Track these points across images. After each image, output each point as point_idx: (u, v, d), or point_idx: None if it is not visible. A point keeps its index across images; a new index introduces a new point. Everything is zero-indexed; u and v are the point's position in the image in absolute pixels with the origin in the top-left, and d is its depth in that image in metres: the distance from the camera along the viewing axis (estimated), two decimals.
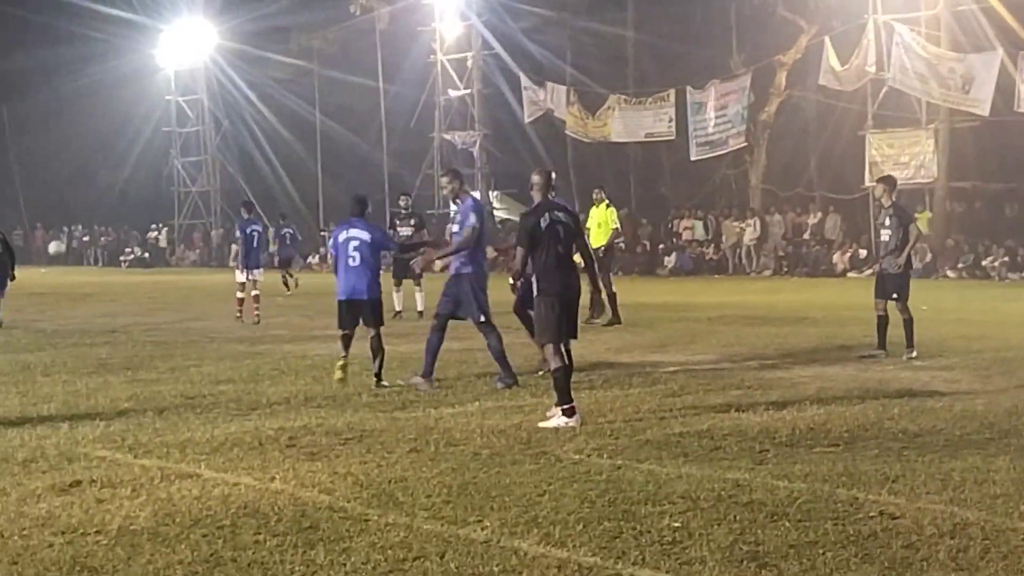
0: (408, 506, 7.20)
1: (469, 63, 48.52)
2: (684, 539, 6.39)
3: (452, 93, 48.95)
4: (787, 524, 6.64)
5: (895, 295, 14.62)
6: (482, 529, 6.66)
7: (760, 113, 40.80)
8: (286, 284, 29.06)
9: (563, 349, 10.24)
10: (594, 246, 17.86)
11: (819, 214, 39.68)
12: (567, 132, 45.67)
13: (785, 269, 38.58)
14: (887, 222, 14.90)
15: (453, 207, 14.41)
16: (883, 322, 14.71)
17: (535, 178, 11.30)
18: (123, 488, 7.73)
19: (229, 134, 57.52)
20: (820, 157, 41.52)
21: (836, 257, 37.44)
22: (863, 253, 36.63)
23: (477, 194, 48.52)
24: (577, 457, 8.56)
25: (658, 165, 46.37)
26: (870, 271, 34.55)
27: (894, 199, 15.12)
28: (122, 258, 57.42)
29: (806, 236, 39.28)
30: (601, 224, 20.90)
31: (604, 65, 46.17)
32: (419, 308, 21.29)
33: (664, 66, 44.47)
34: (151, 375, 13.49)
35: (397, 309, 21.27)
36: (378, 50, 50.32)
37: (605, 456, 8.59)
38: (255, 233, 21.52)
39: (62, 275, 44.01)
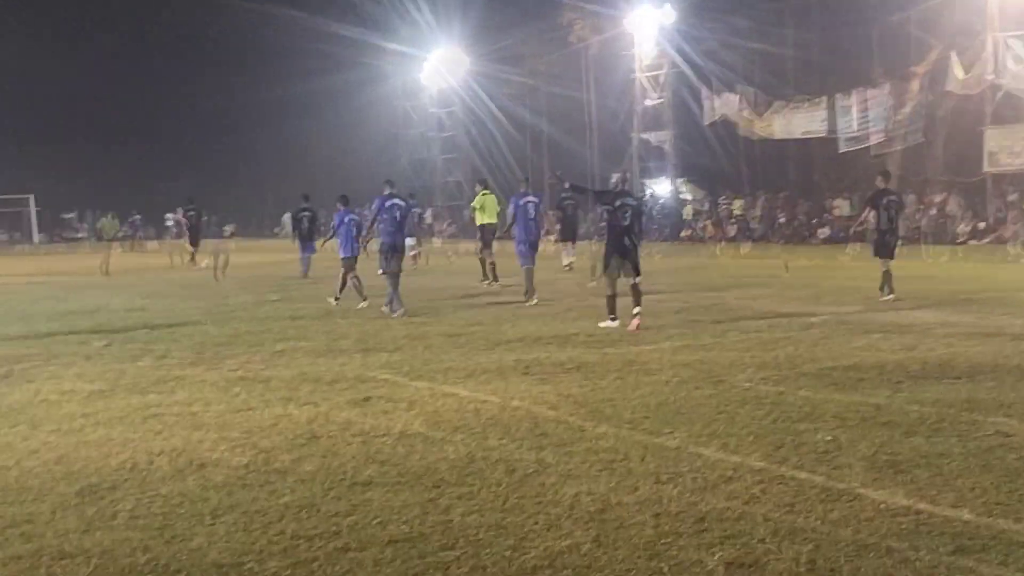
0: (615, 420, 7.22)
1: (662, 78, 47.92)
2: (834, 450, 6.26)
3: (648, 102, 48.44)
4: (919, 439, 6.43)
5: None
6: (673, 439, 6.64)
7: (897, 114, 39.15)
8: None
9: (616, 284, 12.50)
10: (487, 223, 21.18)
11: (944, 194, 37.91)
12: (739, 132, 44.78)
13: (916, 238, 37.00)
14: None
15: None
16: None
17: (616, 176, 13.49)
18: (402, 403, 7.95)
19: (476, 138, 58.29)
20: (946, 148, 39.63)
21: (960, 228, 35.72)
22: (981, 225, 34.90)
23: (667, 181, 48.19)
24: (748, 385, 8.43)
25: (812, 157, 45.00)
26: (988, 240, 33.01)
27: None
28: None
29: (932, 212, 37.58)
30: (485, 208, 21.69)
31: (769, 77, 44.95)
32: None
33: (817, 76, 43.05)
34: (420, 319, 13.79)
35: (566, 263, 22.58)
36: (589, 70, 50.17)
37: (770, 384, 8.44)
38: (352, 222, 20.59)
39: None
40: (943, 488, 5.47)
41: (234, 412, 7.72)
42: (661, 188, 49.66)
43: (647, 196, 49.30)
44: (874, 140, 39.24)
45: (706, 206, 47.13)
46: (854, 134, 39.70)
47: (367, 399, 8.11)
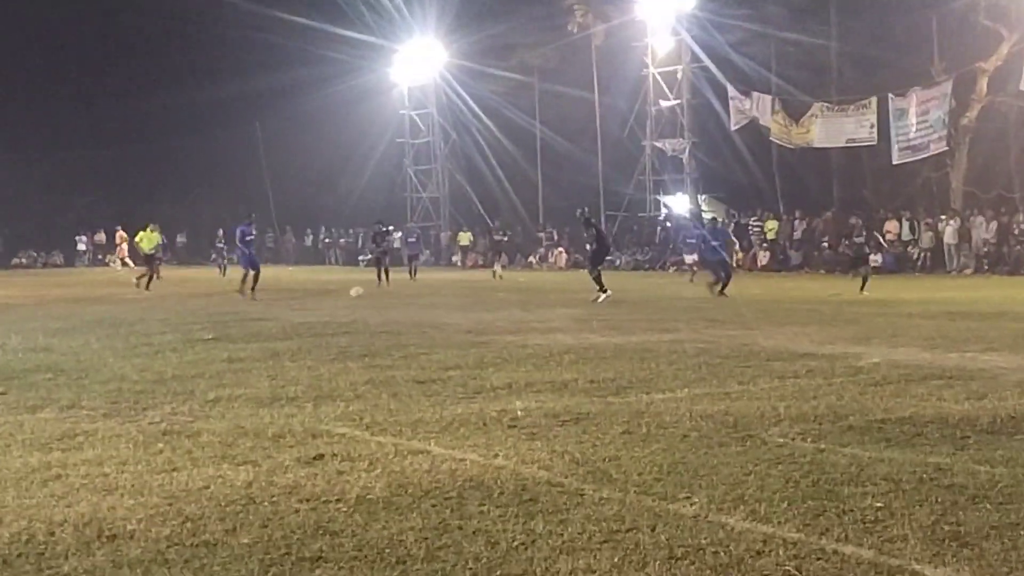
0: (621, 482, 7.16)
1: (679, 75, 48.26)
2: (886, 518, 6.20)
3: (663, 103, 48.75)
4: (988, 506, 6.38)
5: None
6: (691, 505, 6.58)
7: (961, 118, 39.44)
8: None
9: None
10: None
11: (1022, 215, 38.11)
12: (771, 139, 45.00)
13: (986, 267, 37.18)
14: None
15: None
16: None
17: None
18: (361, 462, 7.88)
19: (456, 144, 58.49)
20: (1021, 160, 39.92)
21: None
22: None
23: (686, 197, 48.40)
24: (782, 440, 8.39)
25: (860, 169, 45.24)
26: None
27: None
28: (360, 258, 58.89)
29: (1016, 234, 37.73)
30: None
31: (807, 74, 45.30)
32: None
33: (866, 74, 43.37)
34: (386, 361, 13.75)
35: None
36: (593, 64, 50.45)
37: (809, 440, 8.40)
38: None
39: (307, 273, 45.45)
40: (1017, 565, 5.42)
41: (155, 473, 7.64)
42: (678, 205, 49.81)
43: (661, 216, 49.48)
44: (934, 149, 39.46)
45: (732, 227, 47.29)
46: (910, 142, 39.94)
47: (318, 457, 8.04)
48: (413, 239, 43.00)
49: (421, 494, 6.95)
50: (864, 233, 29.06)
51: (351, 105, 57.58)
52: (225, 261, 44.19)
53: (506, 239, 50.30)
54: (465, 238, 55.97)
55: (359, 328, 18.66)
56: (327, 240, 63.47)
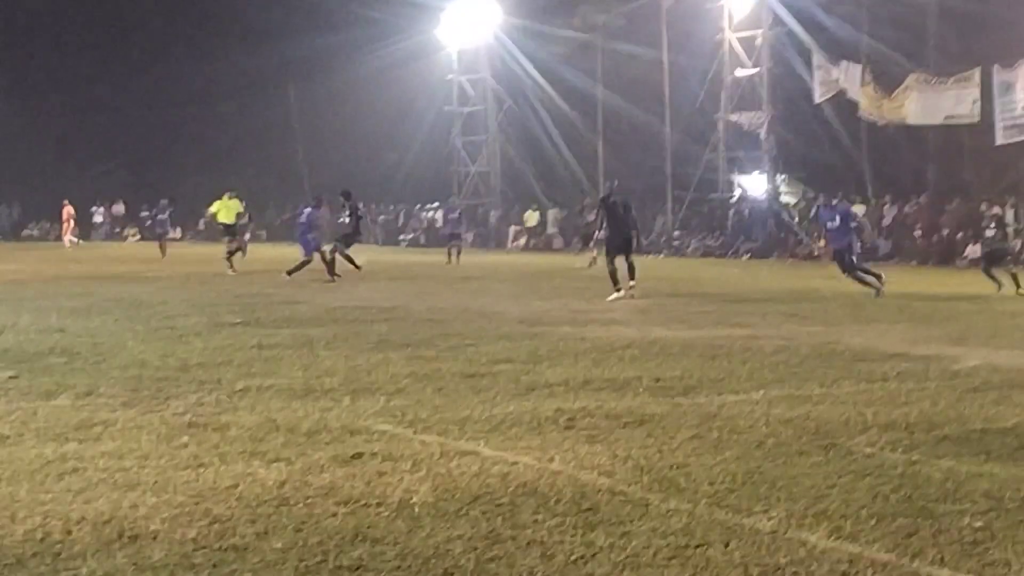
0: (690, 493, 7.16)
1: (759, 41, 47.92)
2: (987, 540, 6.17)
3: (740, 72, 48.46)
4: None
5: None
6: (768, 519, 6.58)
7: None
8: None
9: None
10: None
11: None
12: (860, 114, 44.62)
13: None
14: None
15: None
16: None
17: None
18: (403, 462, 7.93)
19: (511, 113, 58.36)
20: None
21: None
22: None
23: (764, 177, 48.13)
24: (869, 451, 8.36)
25: (959, 149, 44.76)
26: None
27: None
28: (401, 237, 59.09)
29: None
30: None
31: (904, 39, 44.74)
32: None
33: (969, 42, 42.82)
34: (430, 352, 13.81)
35: None
36: (664, 25, 50.19)
37: (899, 451, 8.36)
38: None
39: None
40: None
41: (179, 469, 7.74)
42: (755, 186, 49.53)
43: (735, 197, 49.27)
44: None
45: (814, 212, 46.94)
46: (1017, 120, 39.48)
47: (357, 456, 8.10)
48: (455, 216, 42.29)
49: (470, 500, 6.98)
50: (994, 224, 28.00)
51: (393, 71, 57.59)
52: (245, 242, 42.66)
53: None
54: (533, 217, 55.61)
55: (401, 315, 18.76)
56: (367, 218, 63.81)
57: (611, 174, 54.63)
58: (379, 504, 6.89)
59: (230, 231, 34.52)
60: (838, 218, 23.98)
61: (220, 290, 24.49)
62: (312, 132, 64.61)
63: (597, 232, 25.34)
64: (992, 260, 25.93)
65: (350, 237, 29.16)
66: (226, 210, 35.06)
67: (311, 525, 6.47)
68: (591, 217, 40.20)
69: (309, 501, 6.94)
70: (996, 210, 34.40)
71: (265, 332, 15.93)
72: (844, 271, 23.89)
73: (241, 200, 36.20)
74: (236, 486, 7.28)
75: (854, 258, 23.76)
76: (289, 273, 27.39)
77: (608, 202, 22.93)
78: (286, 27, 58.80)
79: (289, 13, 59.57)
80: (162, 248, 42.13)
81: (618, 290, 21.82)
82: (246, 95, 63.45)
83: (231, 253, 32.11)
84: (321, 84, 61.37)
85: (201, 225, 56.03)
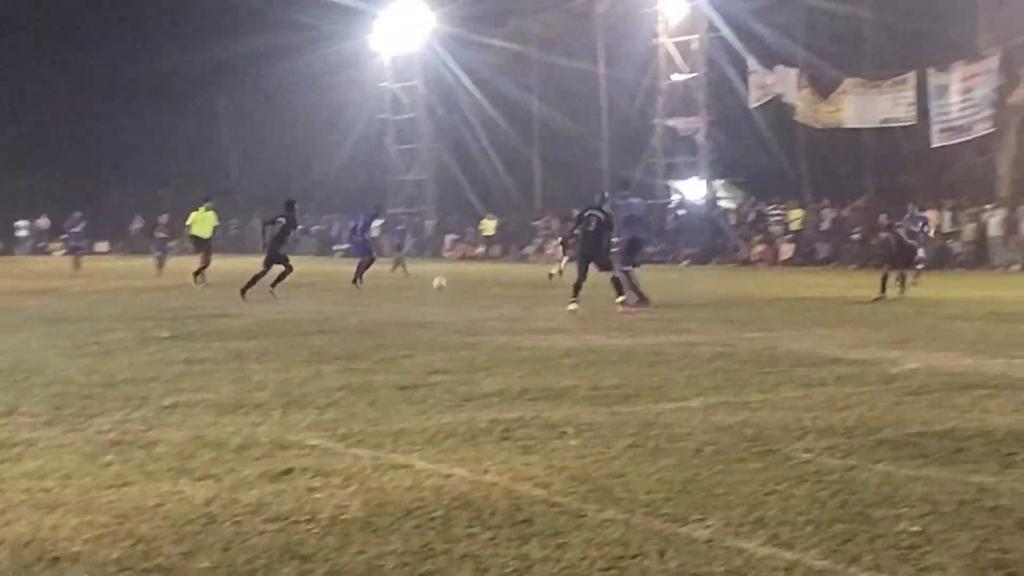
0: (627, 502, 7.14)
1: (694, 46, 48.25)
2: (923, 544, 6.20)
3: (676, 77, 48.77)
4: None
5: None
6: (705, 528, 6.57)
7: (1010, 96, 39.47)
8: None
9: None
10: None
11: None
12: (797, 118, 45.01)
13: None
14: None
15: None
16: None
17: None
18: (335, 477, 7.86)
19: (444, 121, 58.38)
20: None
21: None
22: None
23: (701, 183, 48.40)
24: (807, 456, 8.39)
25: (896, 152, 45.27)
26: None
27: None
28: (335, 247, 58.85)
29: None
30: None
31: (838, 46, 45.29)
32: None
33: (904, 46, 43.36)
34: (364, 365, 13.73)
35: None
36: (598, 33, 50.42)
37: (837, 456, 8.39)
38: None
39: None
40: None
41: (103, 488, 7.62)
42: (692, 191, 49.84)
43: (673, 203, 49.51)
44: (979, 131, 39.51)
45: (752, 217, 47.29)
46: (952, 123, 39.99)
47: (287, 472, 8.01)
48: (401, 227, 42.45)
49: (402, 514, 6.92)
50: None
51: (325, 77, 57.40)
52: (165, 253, 41.00)
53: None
54: (490, 226, 55.42)
55: (335, 327, 18.67)
56: (298, 227, 63.53)
57: (547, 183, 55.13)
58: (309, 520, 6.81)
59: (203, 245, 32.74)
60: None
61: (149, 304, 24.27)
62: (242, 140, 64.23)
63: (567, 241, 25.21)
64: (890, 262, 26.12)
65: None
66: (201, 222, 33.34)
67: (239, 543, 6.39)
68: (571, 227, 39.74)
69: (237, 519, 6.85)
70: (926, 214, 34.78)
71: (195, 346, 15.79)
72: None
73: (217, 212, 34.76)
74: (162, 505, 7.18)
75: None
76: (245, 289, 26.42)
77: (585, 217, 22.05)
78: (214, 31, 58.35)
79: (216, 17, 59.18)
80: (76, 263, 41.25)
81: (575, 301, 21.41)
82: (173, 101, 62.91)
83: (200, 270, 31.17)
84: (251, 90, 61.06)
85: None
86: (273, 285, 26.03)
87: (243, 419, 10.07)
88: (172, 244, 42.92)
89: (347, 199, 60.13)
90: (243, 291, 25.18)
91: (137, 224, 64.33)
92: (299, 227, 28.82)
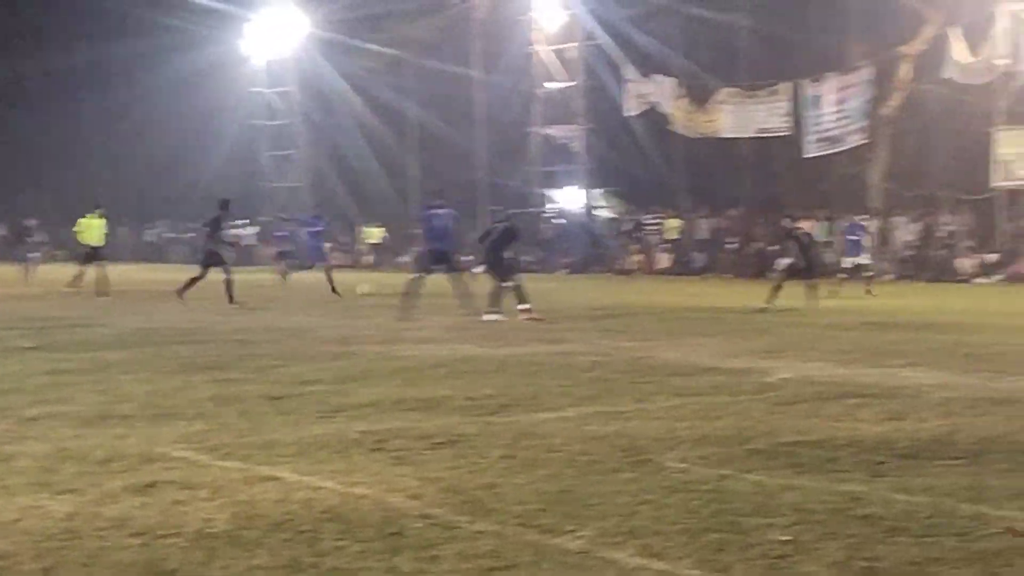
0: (500, 514, 7.15)
1: (571, 54, 48.52)
2: (794, 553, 6.27)
3: (552, 85, 48.99)
4: (906, 540, 6.50)
5: None
6: (578, 539, 6.59)
7: (882, 108, 40.30)
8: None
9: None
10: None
11: (947, 215, 39.07)
12: (673, 127, 45.48)
13: (908, 273, 38.06)
14: None
15: None
16: None
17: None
18: (202, 490, 7.76)
19: (320, 127, 58.03)
20: (946, 155, 40.93)
21: (963, 261, 36.83)
22: (991, 258, 36.04)
23: (578, 192, 48.70)
24: (681, 466, 8.47)
25: (771, 162, 45.99)
26: (1000, 277, 34.11)
27: None
28: None
29: (940, 237, 38.62)
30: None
31: (714, 56, 45.93)
32: None
33: (779, 57, 44.09)
34: (235, 375, 13.60)
35: None
36: (475, 39, 50.53)
37: (711, 465, 8.48)
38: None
39: (146, 272, 44.81)
40: None
41: None
42: (571, 201, 50.13)
43: (549, 212, 49.77)
44: (852, 141, 40.29)
45: (629, 226, 47.69)
46: (826, 133, 40.75)
47: (152, 485, 7.89)
48: (282, 233, 41.47)
49: (270, 527, 6.86)
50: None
51: (196, 82, 56.53)
52: (31, 260, 39.99)
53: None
54: (374, 234, 54.99)
55: (205, 336, 18.46)
56: (169, 236, 62.66)
57: (425, 189, 54.98)
58: (175, 535, 6.71)
59: (94, 254, 31.29)
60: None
61: (12, 313, 23.78)
62: (109, 145, 63.13)
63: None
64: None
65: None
66: (90, 230, 31.70)
67: (101, 559, 6.28)
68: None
69: (100, 533, 6.73)
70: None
71: (60, 357, 15.51)
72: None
73: (107, 218, 33.09)
74: (20, 520, 7.03)
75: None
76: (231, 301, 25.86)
77: (491, 228, 23.33)
78: (80, 34, 57.23)
79: (82, 20, 58.03)
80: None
81: (496, 312, 21.17)
82: (38, 105, 61.61)
83: (77, 278, 30.57)
84: (119, 95, 59.99)
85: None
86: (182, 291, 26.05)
87: (108, 431, 9.90)
88: (37, 254, 42.00)
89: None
90: (180, 291, 25.82)
91: (0, 231, 62.98)
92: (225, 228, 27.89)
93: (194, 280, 26.11)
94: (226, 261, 26.86)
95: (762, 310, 23.58)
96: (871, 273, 30.00)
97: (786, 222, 27.40)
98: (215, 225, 27.15)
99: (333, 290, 29.04)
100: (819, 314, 23.19)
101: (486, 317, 20.91)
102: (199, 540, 6.61)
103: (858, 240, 31.23)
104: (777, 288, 24.66)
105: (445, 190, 26.78)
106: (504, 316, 21.12)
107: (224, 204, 27.72)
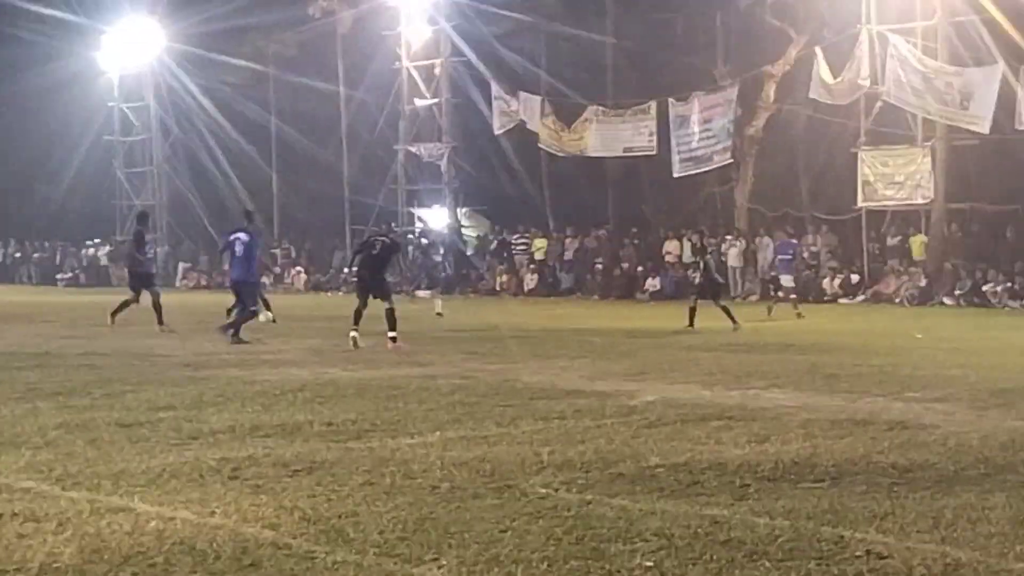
0: (359, 543, 7.12)
1: (437, 70, 48.53)
2: None
3: (419, 102, 48.94)
4: (767, 564, 6.60)
5: None
6: (439, 568, 6.60)
7: (747, 128, 40.93)
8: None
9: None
10: None
11: (810, 236, 39.78)
12: (540, 145, 45.71)
13: (772, 293, 38.63)
14: None
15: None
16: None
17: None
18: (48, 522, 7.62)
19: (178, 143, 57.25)
20: (811, 175, 41.74)
21: (825, 282, 37.53)
22: (855, 278, 36.78)
23: (445, 211, 48.73)
24: (544, 491, 8.50)
25: (638, 181, 46.42)
26: (863, 296, 34.84)
27: None
28: (59, 276, 57.07)
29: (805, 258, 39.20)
30: None
31: (581, 74, 46.27)
32: None
33: (645, 76, 44.57)
34: (84, 401, 13.36)
35: None
36: (339, 55, 50.34)
37: (574, 490, 8.53)
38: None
39: None
40: None
41: None
42: (436, 220, 50.04)
43: (416, 231, 49.74)
44: (718, 161, 40.85)
45: (495, 246, 47.78)
46: (692, 152, 41.23)
47: None
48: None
49: (120, 560, 6.77)
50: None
51: (47, 95, 55.16)
52: None
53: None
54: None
55: (53, 360, 18.11)
56: (18, 255, 61.28)
57: (286, 208, 54.58)
58: (18, 570, 6.60)
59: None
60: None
61: None
62: None
63: (348, 270, 23.63)
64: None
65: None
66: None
67: None
68: (436, 257, 37.98)
69: None
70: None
71: None
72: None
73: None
74: None
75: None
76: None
77: (368, 241, 21.75)
78: None
79: None
80: None
81: (355, 330, 20.45)
82: None
83: None
84: None
85: None
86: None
87: None
88: None
89: (73, 225, 58.41)
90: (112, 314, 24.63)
91: None
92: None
93: (126, 304, 25.01)
94: (155, 282, 25.87)
95: (686, 329, 24.10)
96: (794, 295, 29.88)
97: (695, 239, 27.33)
98: (139, 240, 25.81)
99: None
100: (681, 335, 23.46)
101: (352, 335, 20.41)
102: (44, 575, 6.49)
103: (790, 259, 30.99)
104: (693, 310, 24.95)
105: (253, 213, 25.97)
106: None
107: (143, 218, 26.24)
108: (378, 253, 20.81)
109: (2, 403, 13.13)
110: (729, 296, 39.05)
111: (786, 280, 30.48)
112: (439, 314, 27.98)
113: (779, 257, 31.38)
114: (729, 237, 40.72)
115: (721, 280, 27.08)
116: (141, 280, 25.34)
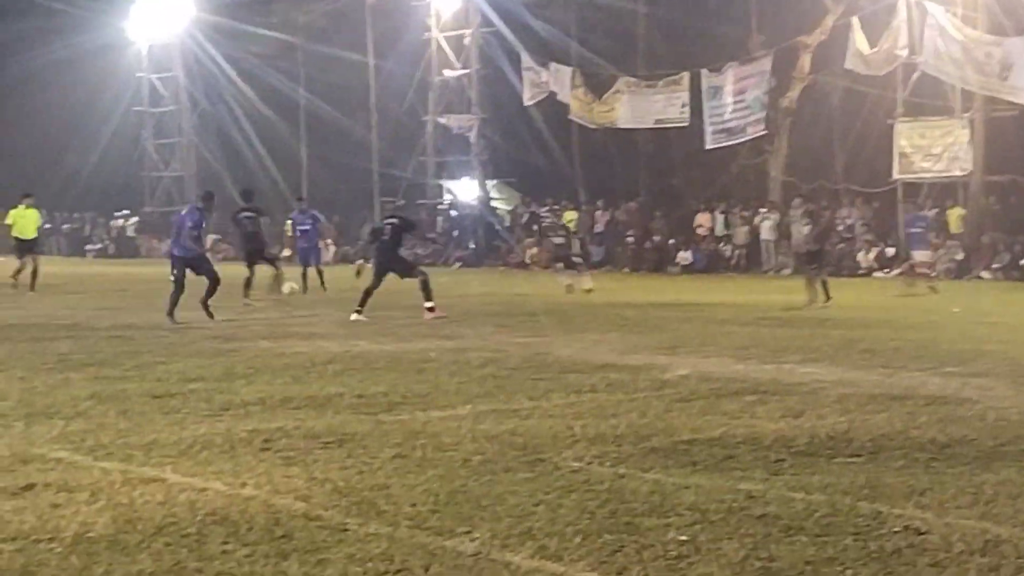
0: (391, 515, 7.14)
1: (467, 40, 48.47)
2: (691, 554, 6.34)
3: (448, 73, 48.90)
4: (804, 539, 6.59)
5: None
6: (471, 540, 6.60)
7: (782, 99, 40.76)
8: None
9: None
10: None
11: (846, 208, 39.63)
12: (571, 117, 45.61)
13: (909, 269, 38.47)
14: None
15: None
16: None
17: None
18: (81, 492, 7.66)
19: (207, 114, 57.37)
20: (846, 147, 41.50)
21: (860, 255, 37.39)
22: (891, 251, 36.61)
23: (474, 183, 48.68)
24: (576, 465, 8.50)
25: (670, 153, 46.30)
26: (899, 271, 34.62)
27: None
28: (88, 247, 57.35)
29: (839, 231, 39.05)
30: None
31: (613, 44, 46.08)
32: None
33: (678, 46, 44.39)
34: (116, 372, 13.43)
35: None
36: (368, 25, 50.27)
37: (607, 464, 8.54)
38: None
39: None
40: None
41: None
42: (465, 192, 50.08)
43: (446, 203, 49.73)
44: (752, 133, 40.68)
45: (525, 218, 47.73)
46: (725, 124, 41.07)
47: (29, 487, 7.79)
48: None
49: (153, 531, 6.79)
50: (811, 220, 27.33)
51: (76, 66, 55.47)
52: None
53: None
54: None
55: (84, 331, 18.23)
56: (48, 226, 61.61)
57: (315, 180, 54.64)
58: (52, 539, 6.62)
59: (27, 247, 29.32)
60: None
61: None
62: None
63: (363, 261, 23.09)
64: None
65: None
66: (23, 221, 29.66)
67: None
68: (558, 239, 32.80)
69: None
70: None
71: None
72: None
73: (40, 209, 31.53)
74: None
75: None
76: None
77: (378, 228, 21.64)
78: None
79: None
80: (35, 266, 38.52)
81: (358, 312, 20.33)
82: None
83: (18, 272, 28.67)
84: None
85: None
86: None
87: None
88: None
89: (102, 196, 58.65)
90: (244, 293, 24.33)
91: None
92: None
93: (249, 280, 24.79)
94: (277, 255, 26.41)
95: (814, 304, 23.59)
96: (929, 270, 28.84)
97: (797, 202, 26.50)
98: (257, 215, 25.99)
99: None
100: (714, 309, 23.42)
101: (353, 317, 20.41)
102: (77, 545, 6.53)
103: (923, 231, 29.81)
104: (825, 283, 24.40)
105: (254, 191, 26.41)
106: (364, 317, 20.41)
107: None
108: (389, 237, 20.90)
109: (34, 374, 13.22)
110: (761, 269, 39.10)
111: (920, 255, 29.41)
112: (589, 290, 27.47)
113: (909, 231, 30.35)
114: (763, 210, 40.60)
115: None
116: (257, 254, 25.38)
